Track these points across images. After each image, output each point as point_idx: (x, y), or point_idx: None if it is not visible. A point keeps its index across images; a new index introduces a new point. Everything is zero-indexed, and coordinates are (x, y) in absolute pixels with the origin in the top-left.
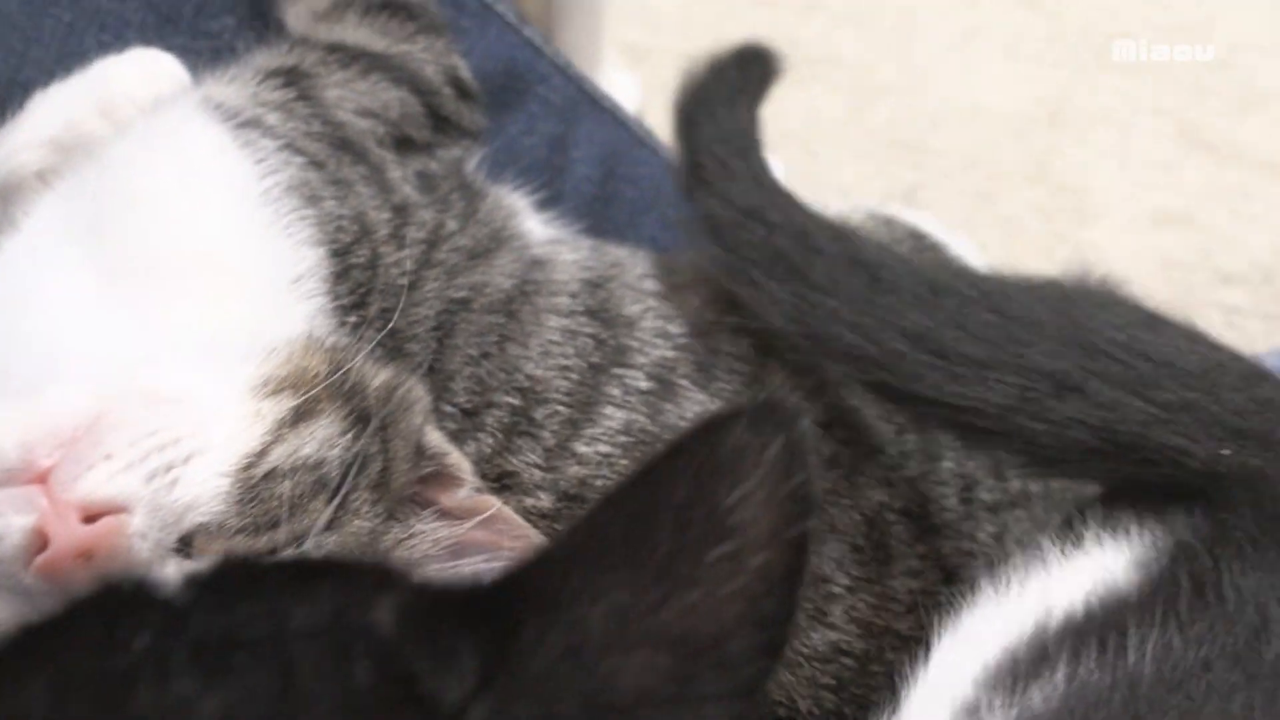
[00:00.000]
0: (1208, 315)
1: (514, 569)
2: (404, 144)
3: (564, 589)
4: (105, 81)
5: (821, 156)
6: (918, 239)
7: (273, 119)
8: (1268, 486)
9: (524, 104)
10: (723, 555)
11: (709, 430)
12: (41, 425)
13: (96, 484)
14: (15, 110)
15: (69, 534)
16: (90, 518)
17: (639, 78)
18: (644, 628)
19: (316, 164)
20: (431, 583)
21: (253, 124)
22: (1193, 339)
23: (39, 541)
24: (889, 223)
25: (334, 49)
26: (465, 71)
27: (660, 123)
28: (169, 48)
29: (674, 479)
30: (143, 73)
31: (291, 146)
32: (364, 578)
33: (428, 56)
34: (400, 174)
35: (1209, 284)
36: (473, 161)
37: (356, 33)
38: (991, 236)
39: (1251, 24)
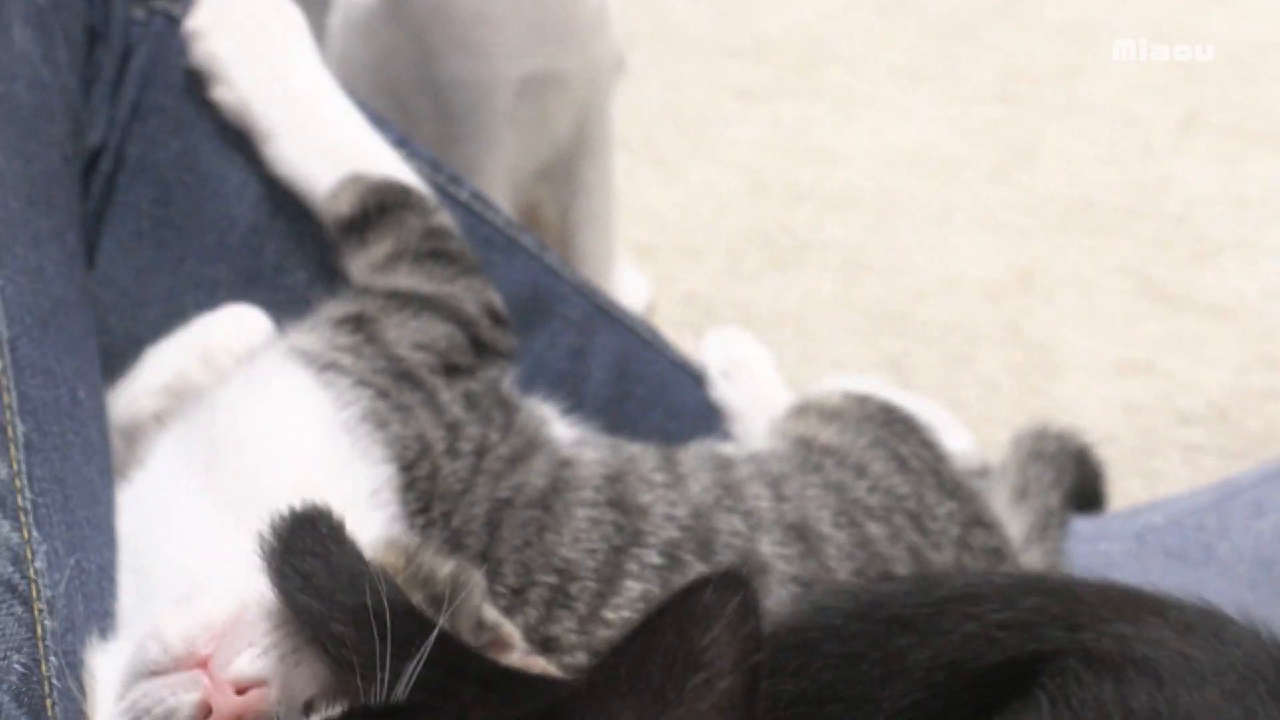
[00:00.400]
0: (1168, 454)
1: (550, 700)
2: (451, 369)
3: (587, 714)
4: (205, 335)
5: (816, 334)
6: (886, 413)
7: (346, 361)
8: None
9: (548, 322)
10: (699, 682)
11: (688, 592)
12: (199, 624)
13: (245, 665)
14: (131, 362)
15: (228, 704)
16: (241, 690)
17: (648, 273)
18: None
19: (383, 394)
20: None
21: (330, 366)
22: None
23: (204, 711)
24: (862, 401)
25: (391, 295)
26: (498, 303)
27: (667, 313)
28: (254, 301)
29: (663, 629)
30: (235, 326)
31: (362, 382)
32: None
33: (468, 295)
34: (449, 396)
35: (1169, 425)
36: (507, 379)
37: (408, 279)
38: (970, 395)
39: (1210, 179)
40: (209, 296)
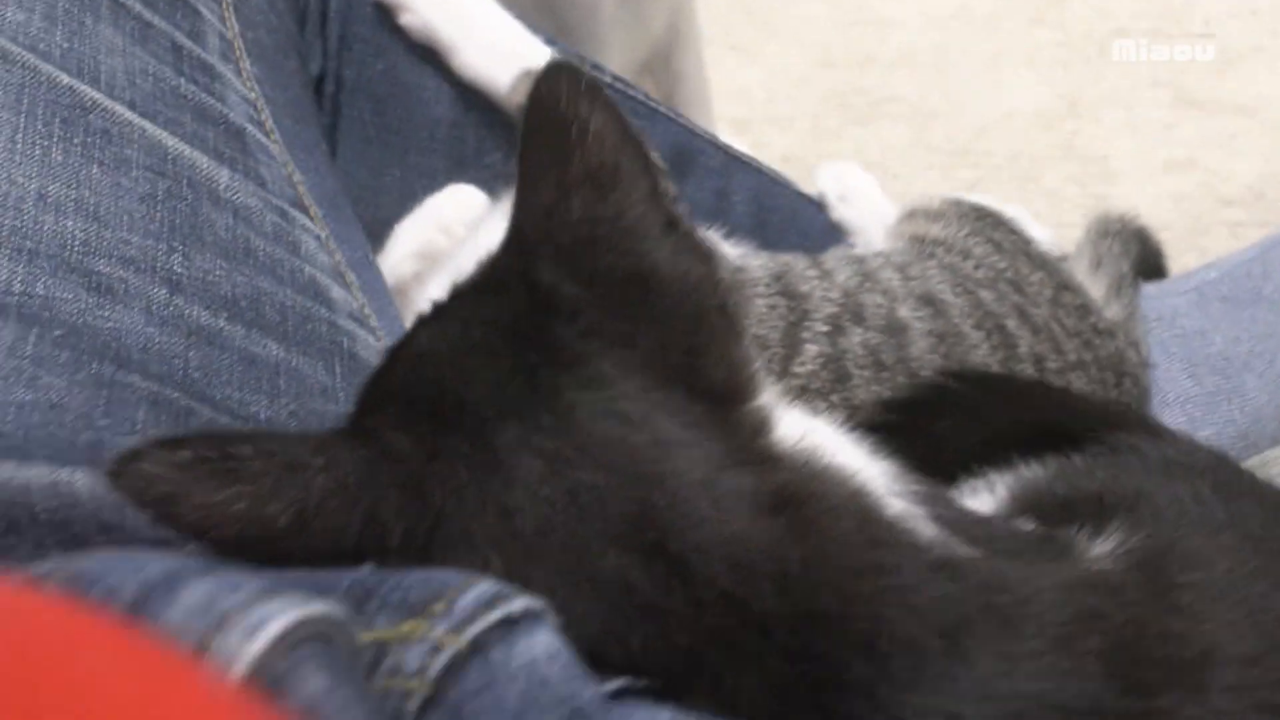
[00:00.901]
0: (1216, 232)
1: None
2: None
3: (526, 202)
4: (439, 211)
5: (900, 175)
6: (978, 210)
7: None
8: None
9: (693, 171)
10: (578, 129)
11: (534, 87)
12: None
13: None
14: (378, 240)
15: None
16: None
17: (745, 142)
18: (569, 183)
19: None
20: None
21: None
22: None
23: None
24: (957, 202)
25: None
26: (658, 157)
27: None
28: (464, 180)
29: (536, 118)
30: (460, 200)
31: None
32: None
33: None
34: None
35: (1214, 209)
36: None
37: None
38: (1041, 207)
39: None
40: (430, 181)
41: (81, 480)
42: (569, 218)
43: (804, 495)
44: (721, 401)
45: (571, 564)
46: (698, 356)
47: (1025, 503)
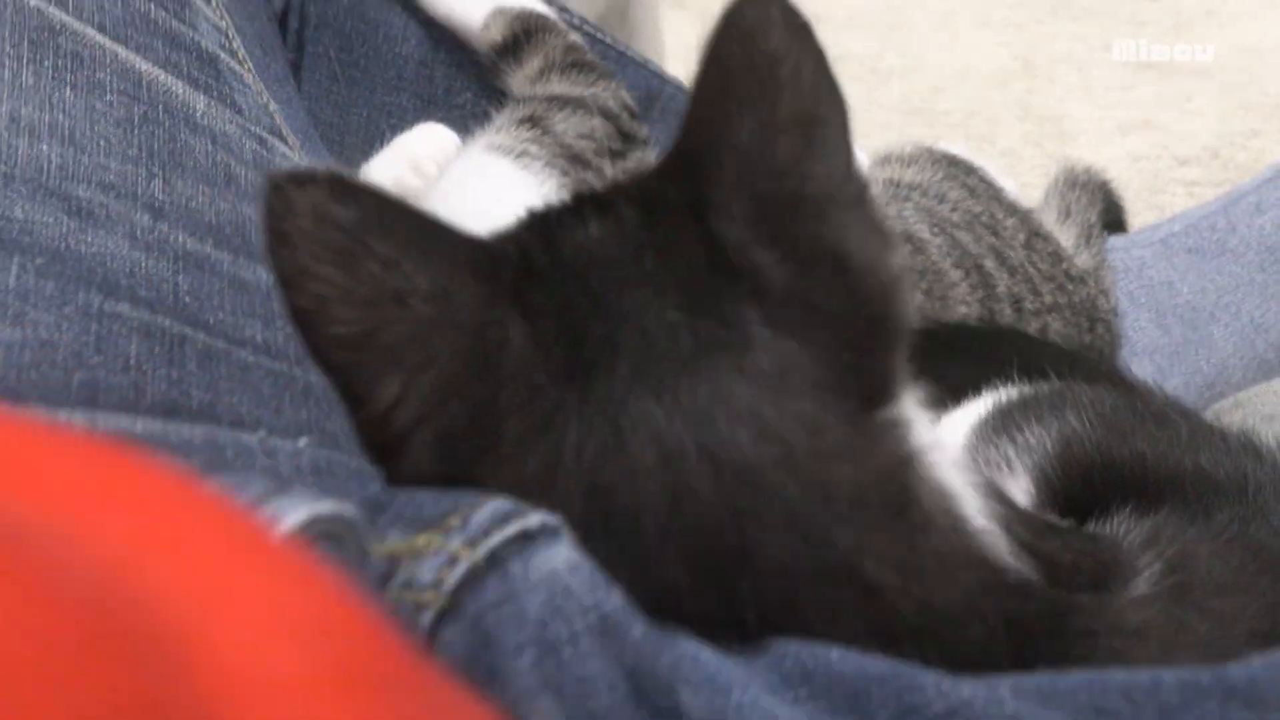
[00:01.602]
0: (1173, 191)
1: (668, 161)
2: (610, 154)
3: (710, 134)
4: (409, 149)
5: (856, 134)
6: (950, 157)
7: (533, 149)
8: None
9: (664, 116)
10: (789, 70)
11: (731, 13)
12: None
13: None
14: None
15: None
16: None
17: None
18: (773, 126)
19: (564, 173)
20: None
21: (523, 155)
22: None
23: None
24: (929, 150)
25: (551, 99)
26: (631, 100)
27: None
28: (434, 119)
29: (728, 55)
30: (430, 139)
31: (549, 165)
32: None
33: (608, 94)
34: (613, 173)
35: (1170, 169)
36: (650, 156)
37: (560, 86)
38: (997, 166)
39: None
40: (398, 120)
41: (79, 422)
42: (773, 165)
43: (925, 511)
44: (868, 403)
45: (639, 564)
46: (864, 358)
47: (1050, 485)
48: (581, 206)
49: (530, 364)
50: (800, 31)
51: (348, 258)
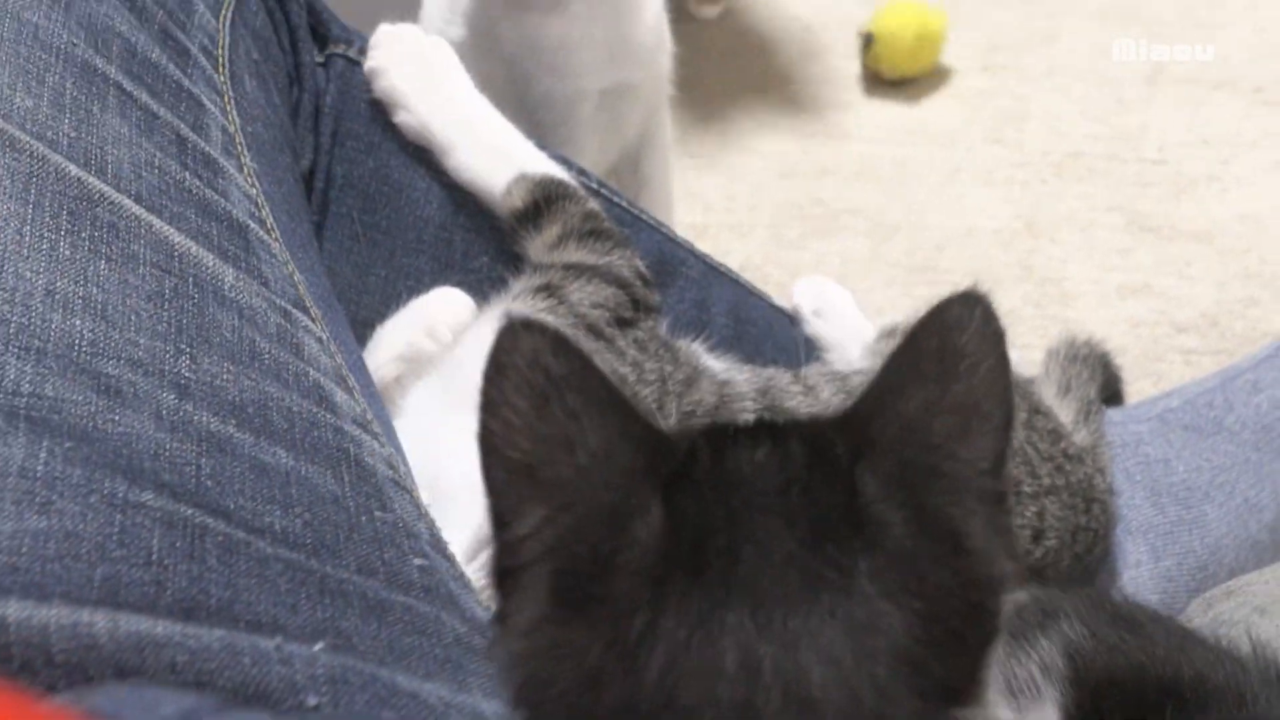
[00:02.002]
0: (1171, 359)
1: (845, 412)
2: (620, 322)
3: (886, 402)
4: (424, 313)
5: (858, 288)
6: None
7: (549, 319)
8: None
9: (674, 280)
10: (967, 366)
11: (938, 309)
12: None
13: None
14: (360, 341)
15: None
16: None
17: (704, 248)
18: (938, 407)
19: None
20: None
21: None
22: None
23: None
24: None
25: (567, 268)
26: (644, 268)
27: None
28: (450, 283)
29: (926, 337)
30: (446, 303)
31: None
32: None
33: (623, 263)
34: (624, 342)
35: (1169, 336)
36: (662, 325)
37: (577, 254)
38: None
39: (1178, 124)
40: (416, 283)
41: (102, 624)
42: (928, 438)
43: None
44: (945, 699)
45: None
46: (952, 645)
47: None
48: (760, 431)
49: (655, 542)
50: (991, 337)
51: (542, 399)
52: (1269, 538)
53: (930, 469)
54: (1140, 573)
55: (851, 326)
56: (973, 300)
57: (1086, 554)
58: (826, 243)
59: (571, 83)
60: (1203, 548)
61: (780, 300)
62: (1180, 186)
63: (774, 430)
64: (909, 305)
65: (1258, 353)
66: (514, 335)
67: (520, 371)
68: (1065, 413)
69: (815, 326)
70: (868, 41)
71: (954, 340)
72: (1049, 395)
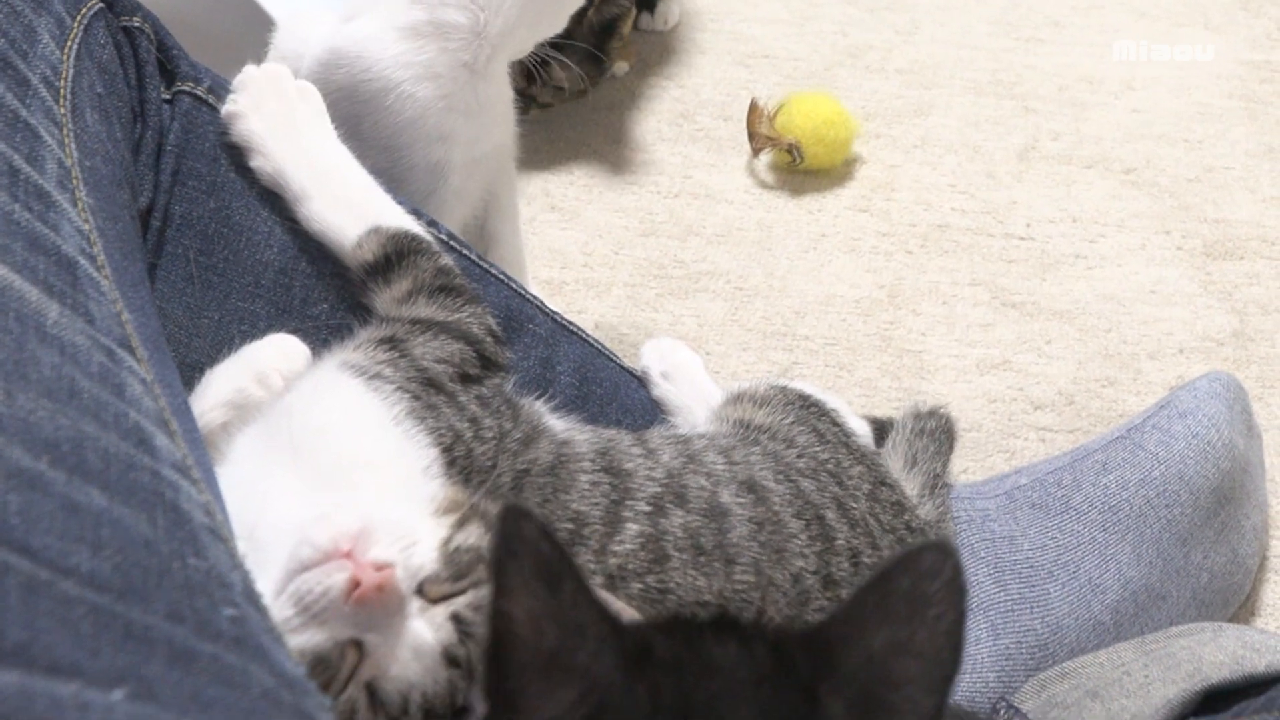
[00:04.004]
0: (1026, 435)
1: (817, 626)
2: (465, 378)
3: (850, 634)
4: (256, 360)
5: (714, 351)
6: (804, 399)
7: (387, 371)
8: None
9: (520, 337)
10: (933, 614)
11: (915, 554)
12: (339, 530)
13: (379, 553)
14: (189, 384)
15: (370, 577)
16: (378, 569)
17: (558, 304)
18: (903, 649)
19: (416, 397)
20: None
21: (376, 376)
22: None
23: (352, 585)
24: (783, 390)
25: (414, 322)
26: (495, 325)
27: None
28: (286, 330)
29: (899, 578)
30: (279, 350)
31: (401, 388)
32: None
33: (473, 320)
34: (466, 398)
35: (1025, 412)
36: (508, 383)
37: (426, 310)
38: (853, 397)
39: (1048, 202)
40: (250, 328)
41: None
42: (888, 675)
43: None
44: None
45: None
46: None
47: None
48: (728, 628)
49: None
50: (958, 591)
51: (554, 584)
52: (1111, 619)
53: (888, 705)
54: (979, 650)
55: (699, 390)
56: (947, 552)
57: None
58: (684, 304)
59: (445, 154)
60: (1043, 627)
61: (631, 361)
62: (1046, 264)
63: (741, 630)
64: (763, 371)
65: (1109, 433)
66: (517, 520)
67: (531, 556)
68: (911, 485)
69: (663, 389)
70: (795, 153)
71: (925, 587)
72: (896, 467)
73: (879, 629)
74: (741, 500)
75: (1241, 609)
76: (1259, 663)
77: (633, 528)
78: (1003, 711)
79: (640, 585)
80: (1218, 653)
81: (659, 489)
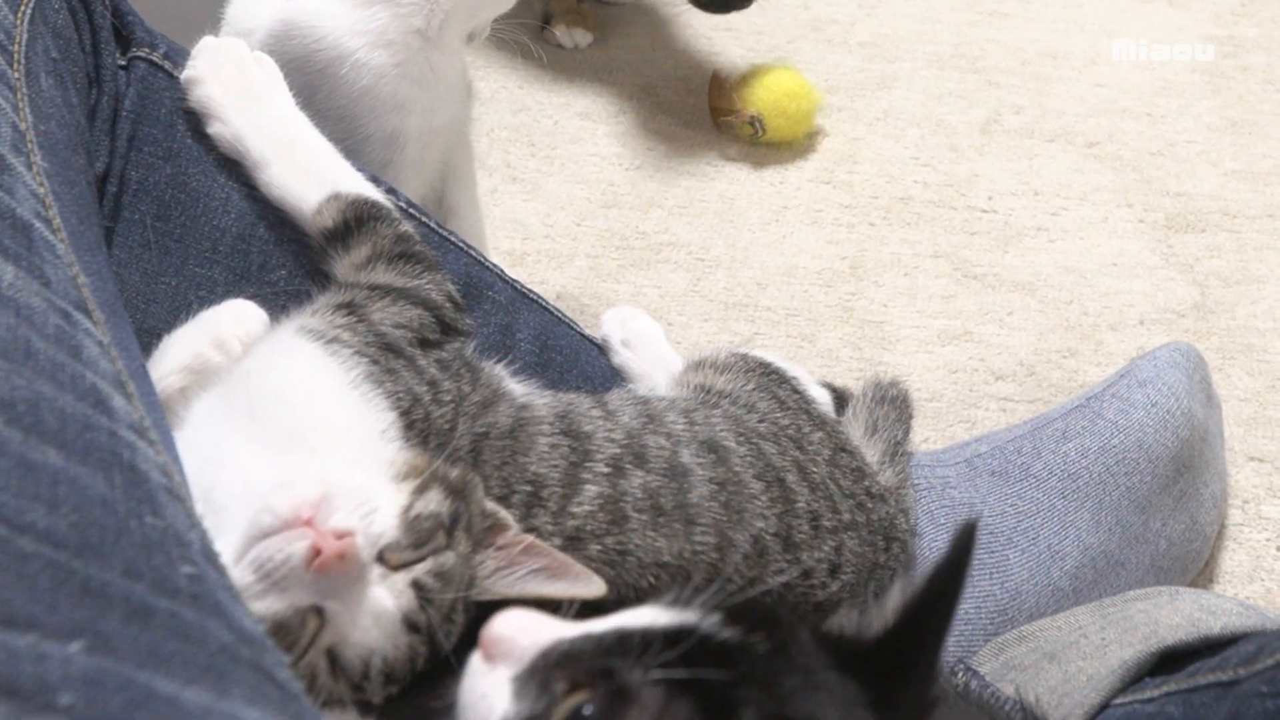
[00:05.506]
0: (987, 405)
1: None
2: (425, 343)
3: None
4: (214, 325)
5: (675, 322)
6: (764, 366)
7: (345, 336)
8: None
9: (480, 304)
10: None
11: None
12: (300, 497)
13: (339, 520)
14: (147, 350)
15: (331, 545)
16: (338, 537)
17: (520, 276)
18: None
19: (375, 361)
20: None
21: (334, 340)
22: None
23: (314, 553)
24: (744, 357)
25: (373, 288)
26: (455, 292)
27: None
28: (244, 295)
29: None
30: (237, 316)
31: (359, 352)
32: None
33: (432, 286)
34: (425, 362)
35: (986, 383)
36: (468, 348)
37: (385, 276)
38: (814, 366)
39: (1010, 175)
40: (208, 293)
41: None
42: None
43: None
44: None
45: None
46: None
47: None
48: None
49: None
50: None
51: None
52: (1070, 585)
53: None
54: None
55: (660, 358)
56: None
57: (881, 593)
58: (645, 275)
59: (402, 123)
60: (1002, 592)
61: (593, 331)
62: (1007, 236)
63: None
64: (726, 341)
65: (1068, 402)
66: None
67: None
68: (871, 453)
69: (624, 356)
70: (756, 125)
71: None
72: (856, 435)
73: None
74: (702, 460)
75: (1200, 576)
76: (1214, 625)
77: (591, 489)
78: (960, 673)
79: (599, 547)
80: (1174, 615)
81: (618, 450)
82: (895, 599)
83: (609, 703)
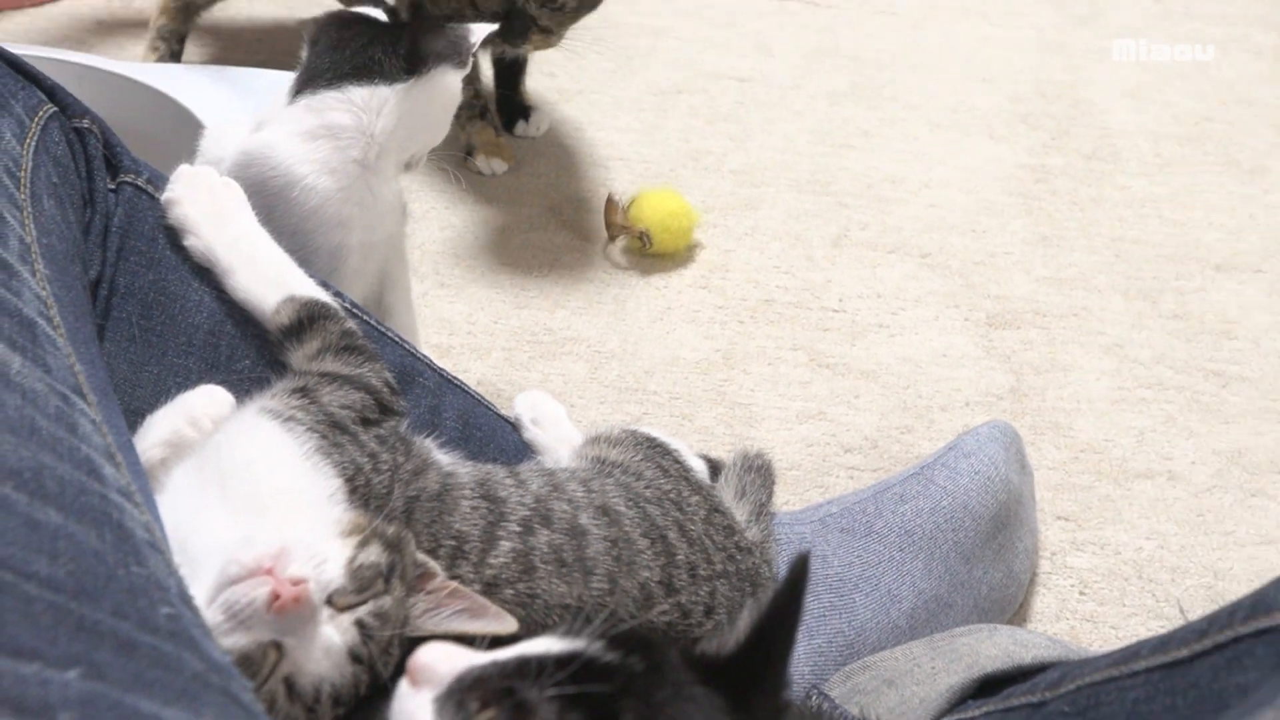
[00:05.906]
0: (837, 474)
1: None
2: (366, 421)
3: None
4: (189, 405)
5: (577, 405)
6: (651, 441)
7: (300, 415)
8: None
9: (412, 389)
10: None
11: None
12: (263, 551)
13: (295, 569)
14: (133, 428)
15: (289, 590)
16: (295, 584)
17: (446, 366)
18: None
19: (324, 436)
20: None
21: (290, 419)
22: None
23: (273, 597)
24: (633, 433)
25: (322, 375)
26: (391, 379)
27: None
28: (215, 382)
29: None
30: (209, 398)
31: (311, 429)
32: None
33: (373, 375)
34: (366, 437)
35: (836, 455)
36: (403, 425)
37: (333, 365)
38: (693, 441)
39: (856, 280)
40: (184, 380)
41: None
42: None
43: None
44: None
45: None
46: None
47: None
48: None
49: None
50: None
51: None
52: (906, 623)
53: None
54: (796, 649)
55: (563, 434)
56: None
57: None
58: (552, 365)
59: (345, 238)
60: (850, 629)
61: (506, 411)
62: (855, 332)
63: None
64: (618, 420)
65: (905, 470)
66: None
67: None
68: (740, 513)
69: (533, 433)
70: (644, 239)
71: None
72: (728, 498)
73: None
74: (598, 522)
75: (1015, 616)
76: (1026, 656)
77: (506, 544)
78: (814, 697)
79: (512, 591)
80: (993, 648)
81: (528, 512)
82: (746, 619)
83: (512, 717)
